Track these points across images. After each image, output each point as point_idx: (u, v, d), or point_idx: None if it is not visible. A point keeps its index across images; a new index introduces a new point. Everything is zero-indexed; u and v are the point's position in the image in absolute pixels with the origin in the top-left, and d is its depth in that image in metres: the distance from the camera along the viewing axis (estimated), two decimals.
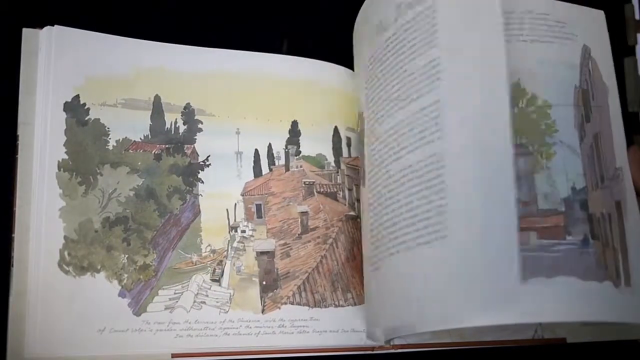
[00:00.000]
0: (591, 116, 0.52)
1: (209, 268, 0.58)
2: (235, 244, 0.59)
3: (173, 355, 0.53)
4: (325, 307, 0.59)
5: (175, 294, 0.56)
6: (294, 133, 0.63)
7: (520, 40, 0.53)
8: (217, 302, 0.57)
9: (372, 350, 0.59)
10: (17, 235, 0.52)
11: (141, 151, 0.58)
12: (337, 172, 0.63)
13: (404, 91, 0.52)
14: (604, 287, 0.48)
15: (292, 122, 0.63)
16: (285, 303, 0.58)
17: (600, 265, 0.49)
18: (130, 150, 0.58)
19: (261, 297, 0.58)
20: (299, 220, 0.61)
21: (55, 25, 0.56)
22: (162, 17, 0.65)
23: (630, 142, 0.54)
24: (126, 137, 0.58)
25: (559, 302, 0.47)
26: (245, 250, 0.59)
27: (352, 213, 0.63)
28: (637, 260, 0.49)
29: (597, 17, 0.56)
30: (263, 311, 0.57)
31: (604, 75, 0.54)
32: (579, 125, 0.51)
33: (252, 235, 0.60)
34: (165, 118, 0.60)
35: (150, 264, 0.56)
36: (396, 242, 0.51)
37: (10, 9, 0.60)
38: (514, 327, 0.57)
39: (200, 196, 0.59)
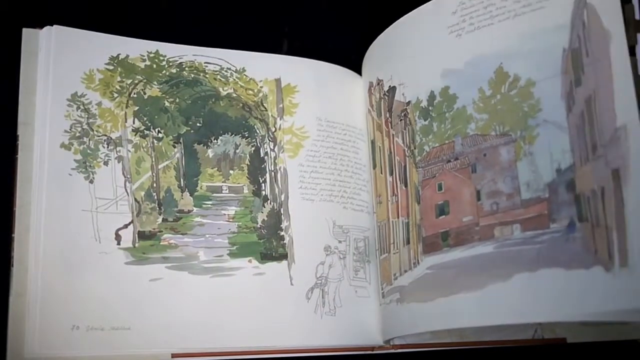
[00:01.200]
0: (582, 78, 0.47)
1: None
2: None
3: (173, 355, 0.53)
4: None
5: None
6: None
7: (503, 20, 0.51)
8: None
9: (372, 350, 0.58)
10: (17, 235, 0.52)
11: None
12: None
13: None
14: (592, 274, 0.44)
15: None
16: None
17: (588, 250, 0.45)
18: None
19: None
20: None
21: (55, 25, 0.56)
22: (163, 17, 0.65)
23: None
24: None
25: (542, 300, 0.45)
26: None
27: None
28: (637, 234, 0.43)
29: None
30: None
31: (605, 19, 0.46)
32: (567, 94, 0.48)
33: None
34: None
35: None
36: None
37: (10, 9, 0.59)
38: (513, 327, 0.57)
39: None
